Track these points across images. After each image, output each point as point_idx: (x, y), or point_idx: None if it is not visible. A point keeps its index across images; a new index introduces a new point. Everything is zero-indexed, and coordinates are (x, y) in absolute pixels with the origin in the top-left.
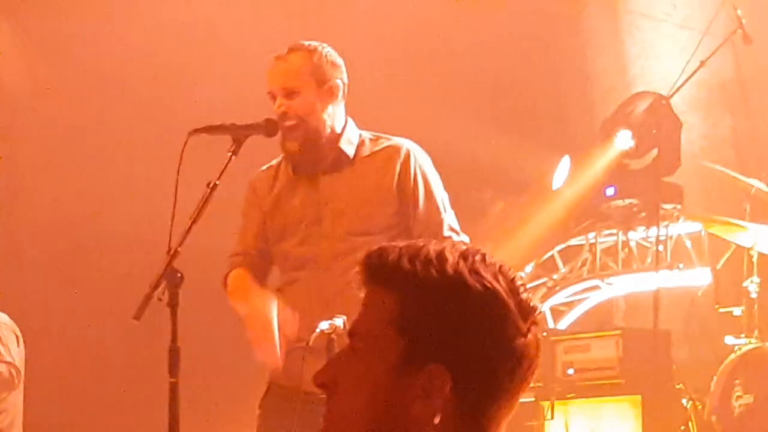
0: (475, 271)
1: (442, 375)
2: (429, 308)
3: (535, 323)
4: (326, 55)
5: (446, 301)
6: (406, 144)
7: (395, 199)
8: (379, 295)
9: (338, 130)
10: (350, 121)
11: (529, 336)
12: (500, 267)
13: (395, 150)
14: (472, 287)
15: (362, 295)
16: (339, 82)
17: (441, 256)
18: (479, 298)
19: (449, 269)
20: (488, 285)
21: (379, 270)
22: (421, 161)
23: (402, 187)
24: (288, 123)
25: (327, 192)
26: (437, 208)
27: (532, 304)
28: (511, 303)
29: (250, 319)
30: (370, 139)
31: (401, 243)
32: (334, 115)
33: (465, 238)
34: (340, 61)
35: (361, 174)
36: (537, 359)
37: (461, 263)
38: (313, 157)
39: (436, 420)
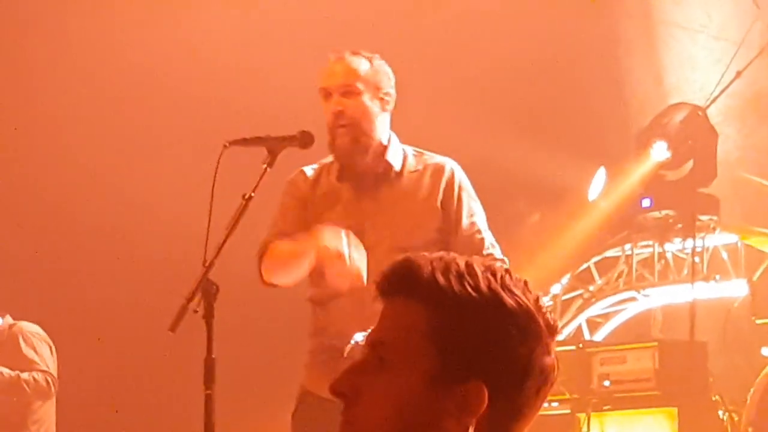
0: (508, 289)
1: (481, 392)
2: (466, 324)
3: (555, 341)
4: (383, 66)
5: (484, 318)
6: (449, 163)
7: (439, 216)
8: (409, 307)
9: (384, 142)
10: (394, 135)
11: (553, 354)
12: (525, 284)
13: (440, 168)
14: (507, 304)
15: (381, 305)
16: (393, 93)
17: (472, 271)
18: (515, 316)
19: (483, 286)
20: (522, 303)
21: (410, 282)
22: (464, 181)
23: (446, 205)
24: (341, 122)
25: (371, 204)
26: (479, 227)
27: (555, 323)
28: (541, 322)
29: (317, 248)
30: (413, 155)
31: (427, 255)
32: (383, 126)
33: (504, 257)
34: (392, 75)
35: (406, 189)
36: (556, 379)
37: (492, 280)
38: (360, 163)
39: None
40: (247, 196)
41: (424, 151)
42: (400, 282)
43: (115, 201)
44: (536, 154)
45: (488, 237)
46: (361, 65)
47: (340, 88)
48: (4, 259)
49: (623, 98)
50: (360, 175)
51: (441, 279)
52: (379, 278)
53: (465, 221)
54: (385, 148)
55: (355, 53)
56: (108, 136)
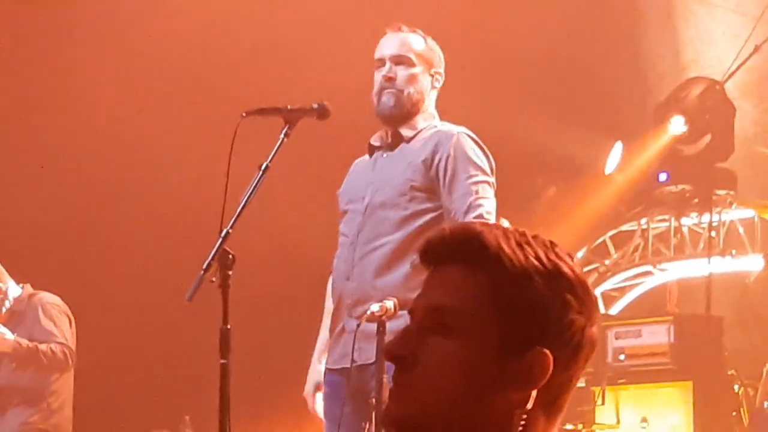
0: (563, 259)
1: (546, 360)
2: (530, 293)
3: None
4: (436, 46)
5: (547, 287)
6: (455, 129)
7: (419, 172)
8: (472, 275)
9: (419, 113)
10: (431, 112)
11: (596, 324)
12: (570, 255)
13: (437, 133)
14: (567, 274)
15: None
16: (442, 72)
17: (530, 240)
18: (574, 286)
19: (543, 255)
20: (578, 273)
21: (474, 250)
22: (466, 145)
23: (434, 164)
24: (390, 86)
25: (375, 171)
26: (475, 191)
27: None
28: (590, 292)
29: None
30: (433, 126)
31: (485, 224)
32: (428, 102)
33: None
34: (442, 55)
35: (404, 154)
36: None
37: (549, 249)
38: (387, 133)
39: (530, 405)
40: (263, 167)
41: (446, 123)
42: (464, 249)
43: (132, 171)
44: (553, 128)
45: (486, 204)
46: (417, 40)
47: (394, 57)
48: (24, 228)
49: (641, 73)
50: (382, 146)
51: (506, 248)
52: (433, 245)
53: (460, 183)
54: (413, 116)
55: (412, 30)
56: (126, 107)
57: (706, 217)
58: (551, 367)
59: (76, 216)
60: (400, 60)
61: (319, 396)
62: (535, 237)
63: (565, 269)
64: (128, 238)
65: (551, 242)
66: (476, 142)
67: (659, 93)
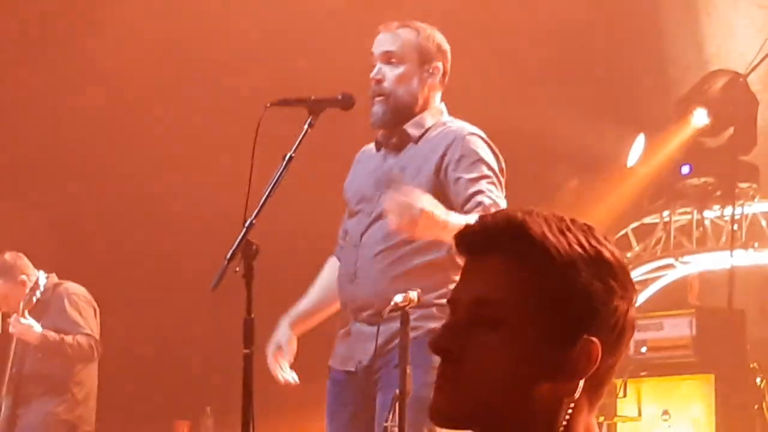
0: (602, 243)
1: (595, 349)
2: (576, 281)
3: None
4: (434, 38)
5: (591, 274)
6: (465, 129)
7: (431, 182)
8: (516, 264)
9: (422, 112)
10: (438, 107)
11: (634, 306)
12: (608, 239)
13: (447, 134)
14: (608, 259)
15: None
16: (440, 65)
17: (569, 226)
18: (615, 271)
19: (585, 241)
20: (618, 257)
21: (516, 239)
22: (474, 145)
23: (442, 168)
24: (378, 90)
25: (386, 174)
26: (479, 185)
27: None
28: (629, 275)
29: None
30: (442, 123)
31: (523, 210)
32: (428, 98)
33: None
34: (446, 47)
35: (414, 158)
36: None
37: (589, 235)
38: (390, 134)
39: (577, 394)
40: (287, 157)
41: (455, 120)
42: (508, 239)
43: (157, 162)
44: (576, 120)
45: (491, 199)
46: (408, 34)
47: (382, 55)
48: (50, 219)
49: (664, 66)
50: (388, 144)
51: (550, 236)
52: (473, 234)
53: (466, 181)
54: (413, 116)
55: (404, 24)
56: (150, 99)
57: (728, 210)
58: (600, 356)
59: (100, 206)
60: (388, 58)
61: (286, 365)
62: (573, 222)
63: (607, 254)
64: (152, 228)
65: (589, 226)
66: (486, 143)
67: (682, 86)
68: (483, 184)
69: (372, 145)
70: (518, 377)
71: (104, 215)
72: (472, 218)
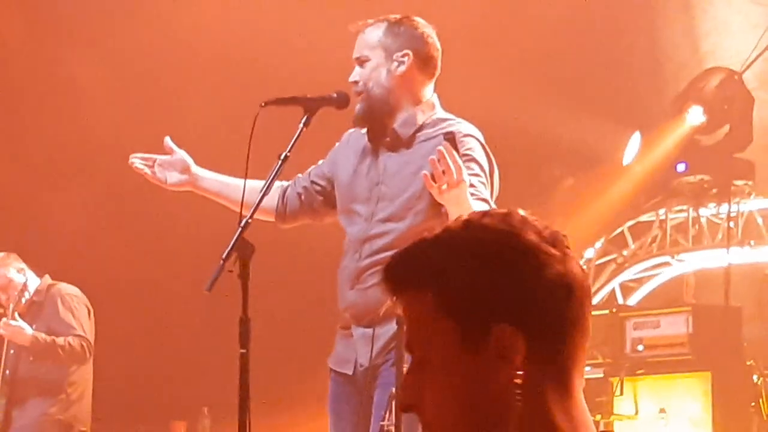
0: (482, 227)
1: (509, 331)
2: (462, 281)
3: (567, 246)
4: (404, 25)
5: (472, 266)
6: (461, 127)
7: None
8: (416, 296)
9: (406, 107)
10: (429, 101)
11: (568, 259)
12: (506, 212)
13: (448, 134)
14: (485, 239)
15: (397, 308)
16: (410, 55)
17: (444, 232)
18: (497, 246)
19: (459, 238)
20: (499, 229)
21: (404, 277)
22: (468, 144)
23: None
24: (356, 91)
25: (377, 173)
26: (478, 180)
27: (554, 230)
28: (531, 235)
29: None
30: (435, 120)
31: (405, 245)
32: (406, 89)
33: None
34: (421, 32)
35: (410, 159)
36: (586, 281)
37: (466, 227)
38: (377, 131)
39: (519, 380)
40: (283, 156)
41: (450, 117)
42: (399, 278)
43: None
44: (572, 119)
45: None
46: (374, 33)
47: (356, 60)
48: (43, 219)
49: (659, 63)
50: (377, 141)
51: (427, 257)
52: (382, 281)
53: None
54: (394, 111)
55: (375, 21)
56: (144, 101)
57: (724, 208)
58: (519, 336)
59: (95, 207)
60: (360, 60)
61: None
62: (458, 225)
63: (483, 235)
64: (147, 228)
65: (480, 214)
66: (480, 144)
67: (677, 84)
68: (473, 180)
69: (360, 133)
70: (467, 398)
71: (99, 216)
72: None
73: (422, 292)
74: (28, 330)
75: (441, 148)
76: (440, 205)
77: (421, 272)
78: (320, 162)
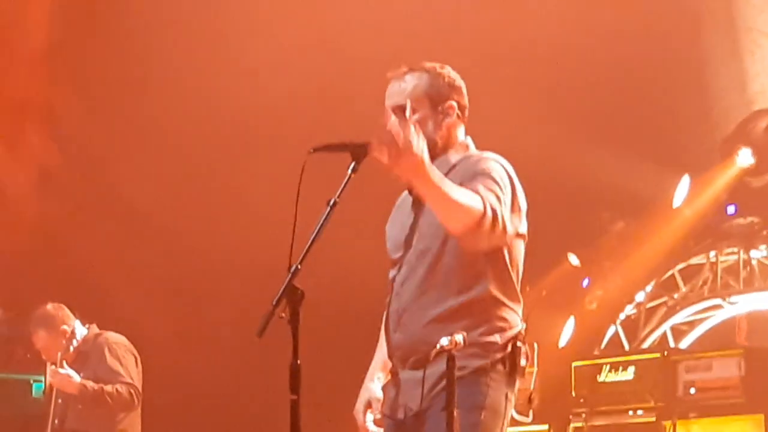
0: None
1: None
2: None
3: None
4: (444, 76)
5: None
6: (486, 156)
7: None
8: None
9: (445, 152)
10: (463, 143)
11: None
12: None
13: (468, 163)
14: None
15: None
16: (454, 103)
17: None
18: None
19: None
20: None
21: None
22: (490, 166)
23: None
24: None
25: (414, 214)
26: (484, 193)
27: None
28: None
29: None
30: (467, 157)
31: None
32: (448, 137)
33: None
34: (459, 83)
35: None
36: None
37: None
38: None
39: None
40: (332, 202)
41: (481, 153)
42: None
43: (202, 208)
44: (621, 162)
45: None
46: (413, 81)
47: (395, 109)
48: (89, 269)
49: (707, 106)
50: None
51: None
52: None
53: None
54: (436, 158)
55: (412, 69)
56: (196, 145)
57: None
58: None
59: (145, 253)
60: (400, 111)
61: (370, 416)
62: None
63: None
64: (198, 276)
65: None
66: (503, 167)
67: (726, 126)
68: (482, 189)
69: (405, 193)
70: None
71: (149, 261)
72: (464, 193)
73: None
74: (76, 377)
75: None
76: None
77: None
78: None
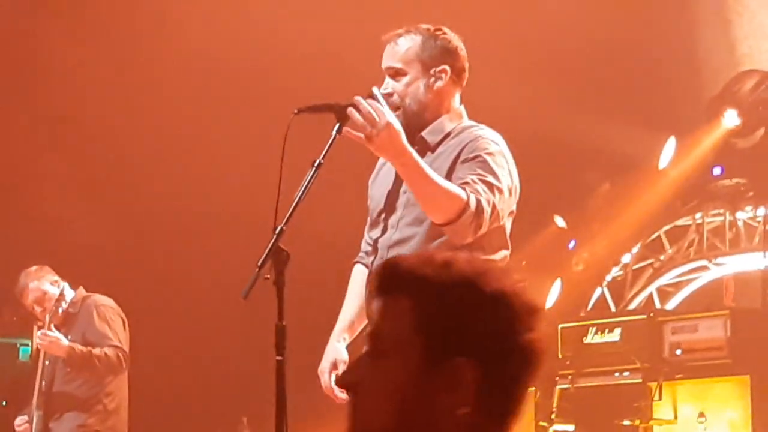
0: (481, 274)
1: (466, 367)
2: (445, 308)
3: (539, 320)
4: (438, 38)
5: (459, 301)
6: (483, 133)
7: None
8: (397, 301)
9: (438, 117)
10: (457, 110)
11: (535, 331)
12: (504, 270)
13: (463, 138)
14: (480, 289)
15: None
16: (447, 67)
17: (449, 261)
18: (488, 299)
19: (458, 273)
20: (495, 286)
21: (395, 279)
22: (489, 148)
23: (455, 170)
24: (389, 103)
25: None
26: (470, 178)
27: (534, 304)
28: (516, 303)
29: None
30: (461, 128)
31: (412, 254)
32: (439, 102)
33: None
34: (455, 45)
35: (434, 162)
36: (545, 353)
37: (468, 267)
38: (412, 140)
39: (462, 411)
40: (316, 163)
41: (475, 125)
42: (388, 281)
43: (186, 171)
44: (607, 124)
45: (486, 196)
46: (407, 43)
47: (388, 70)
48: (77, 232)
49: (695, 68)
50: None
51: (420, 271)
52: (370, 281)
53: (464, 173)
54: (430, 123)
55: (407, 31)
56: (178, 107)
57: (761, 211)
58: (474, 373)
59: (129, 217)
60: (393, 72)
61: (335, 376)
62: (463, 258)
63: (479, 284)
64: (182, 237)
65: (483, 261)
66: (499, 150)
67: (713, 87)
68: (475, 180)
69: None
70: (397, 403)
71: (133, 225)
72: (445, 185)
73: (406, 300)
74: (65, 341)
75: (358, 97)
76: None
77: (415, 283)
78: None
